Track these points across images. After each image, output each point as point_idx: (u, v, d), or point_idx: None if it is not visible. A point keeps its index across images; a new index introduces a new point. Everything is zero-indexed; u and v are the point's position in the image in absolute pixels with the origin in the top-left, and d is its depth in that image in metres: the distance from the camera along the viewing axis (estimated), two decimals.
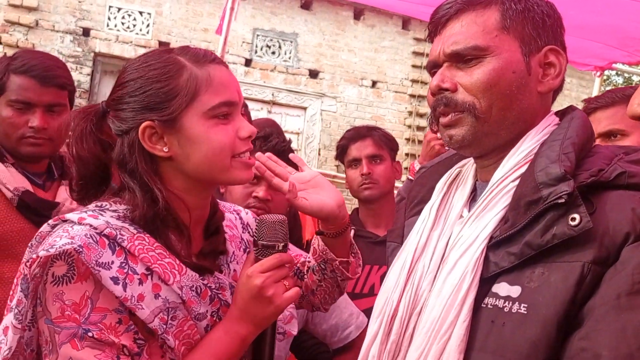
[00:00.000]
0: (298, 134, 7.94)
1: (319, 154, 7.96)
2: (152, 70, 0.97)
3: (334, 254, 1.19)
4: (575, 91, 8.76)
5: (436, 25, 0.95)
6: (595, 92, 3.51)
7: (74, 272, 0.88)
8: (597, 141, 1.63)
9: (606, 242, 0.75)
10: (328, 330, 1.68)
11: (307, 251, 1.83)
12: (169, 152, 0.97)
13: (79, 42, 7.08)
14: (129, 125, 0.97)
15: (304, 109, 8.00)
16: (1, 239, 1.49)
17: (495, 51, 0.88)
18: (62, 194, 1.61)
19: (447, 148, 1.04)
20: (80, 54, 7.07)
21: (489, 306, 0.81)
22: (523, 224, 0.80)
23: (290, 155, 1.33)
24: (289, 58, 7.91)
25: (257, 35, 7.79)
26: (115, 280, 0.89)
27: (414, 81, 8.28)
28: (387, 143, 2.14)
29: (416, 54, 8.27)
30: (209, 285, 1.00)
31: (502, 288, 0.80)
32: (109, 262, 0.90)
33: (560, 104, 0.90)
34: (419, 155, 2.26)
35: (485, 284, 0.82)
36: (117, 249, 0.92)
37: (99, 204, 0.98)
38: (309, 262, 1.25)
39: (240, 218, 1.22)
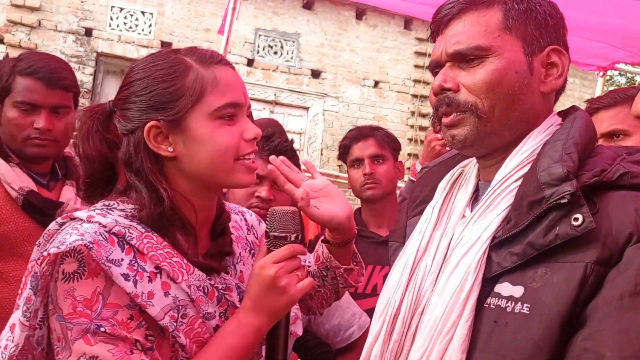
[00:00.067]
0: (300, 134, 7.94)
1: (322, 154, 7.96)
2: (159, 70, 0.98)
3: (338, 261, 1.19)
4: (578, 91, 8.75)
5: (438, 25, 0.95)
6: (598, 92, 3.50)
7: (84, 269, 0.88)
8: (600, 141, 1.63)
9: (609, 242, 0.75)
10: (331, 330, 1.69)
11: (310, 251, 1.84)
12: (173, 152, 0.98)
13: (82, 42, 7.10)
14: (135, 125, 0.98)
15: (306, 109, 8.00)
16: (6, 238, 1.50)
17: (498, 51, 0.87)
18: (66, 194, 1.62)
19: (448, 149, 1.04)
20: (83, 54, 7.09)
21: (491, 306, 0.81)
22: (525, 224, 0.80)
23: (303, 161, 1.33)
24: (291, 58, 7.92)
25: (259, 35, 7.80)
26: (125, 276, 0.89)
27: (416, 81, 8.28)
28: (389, 143, 2.14)
29: (418, 53, 8.27)
30: (215, 285, 1.00)
31: (504, 288, 0.80)
32: (119, 259, 0.90)
33: (562, 104, 0.90)
34: (421, 156, 2.26)
35: (488, 284, 0.82)
36: (126, 247, 0.92)
37: (106, 203, 0.98)
38: (308, 266, 1.25)
39: (245, 220, 1.22)
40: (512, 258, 0.80)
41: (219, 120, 0.97)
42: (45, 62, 1.53)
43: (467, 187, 0.98)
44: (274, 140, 1.64)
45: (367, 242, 1.99)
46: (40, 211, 1.54)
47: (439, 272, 0.89)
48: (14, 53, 6.17)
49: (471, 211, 0.92)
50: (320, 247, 1.21)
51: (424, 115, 8.16)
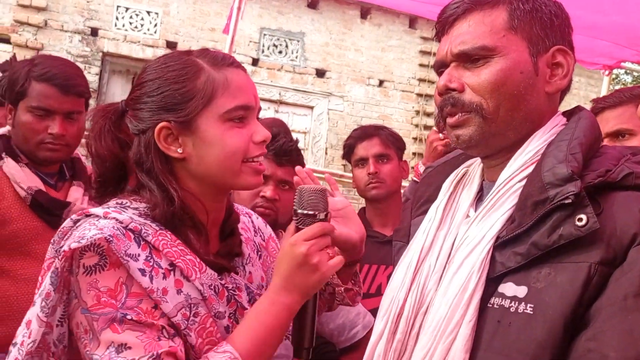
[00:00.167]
0: (305, 133, 7.95)
1: (326, 153, 7.96)
2: (171, 71, 0.98)
3: (340, 279, 1.20)
4: (584, 90, 8.70)
5: (443, 25, 0.95)
6: (604, 91, 3.49)
7: (105, 261, 0.89)
8: (605, 141, 1.62)
9: (613, 243, 0.75)
10: (335, 330, 1.69)
11: None
12: (182, 153, 0.98)
13: (87, 41, 7.13)
14: (146, 125, 0.98)
15: (311, 108, 8.00)
16: (14, 237, 1.52)
17: (503, 51, 0.87)
18: (73, 194, 1.64)
19: (450, 148, 1.04)
20: (89, 54, 7.12)
21: (495, 306, 0.81)
22: (530, 224, 0.80)
23: (326, 176, 1.34)
24: (296, 57, 7.92)
25: (264, 35, 7.80)
26: (142, 272, 0.90)
27: (421, 80, 8.27)
28: (394, 142, 2.14)
29: (423, 52, 8.25)
30: (226, 285, 1.01)
31: (508, 288, 0.80)
32: (136, 254, 0.91)
33: (568, 103, 0.90)
34: (424, 156, 2.26)
35: (492, 284, 0.82)
36: (142, 243, 0.93)
37: (119, 201, 0.99)
38: None
39: (252, 222, 1.23)
40: (516, 258, 0.80)
41: (229, 123, 0.98)
42: (60, 68, 1.56)
43: (471, 187, 0.98)
44: (279, 140, 1.65)
45: (372, 242, 1.99)
46: (48, 211, 1.56)
47: (442, 272, 0.89)
48: (21, 53, 6.22)
49: (475, 211, 0.93)
50: None
51: (428, 115, 8.14)
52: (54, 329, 0.92)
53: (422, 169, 2.12)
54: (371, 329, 1.29)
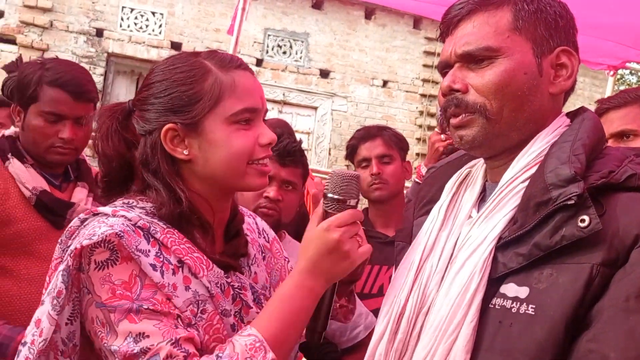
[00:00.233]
0: (309, 133, 7.95)
1: (330, 154, 7.97)
2: (178, 73, 0.99)
3: (336, 296, 1.20)
4: (588, 90, 8.68)
5: (448, 26, 0.94)
6: (608, 92, 3.47)
7: (117, 256, 0.90)
8: (610, 141, 1.62)
9: (615, 244, 0.75)
10: (337, 330, 1.69)
11: None
12: (188, 155, 0.98)
13: (93, 42, 7.16)
14: (153, 126, 0.99)
15: (315, 108, 8.01)
16: (18, 237, 1.53)
17: (507, 52, 0.87)
18: (78, 195, 1.65)
19: (451, 150, 1.03)
20: (94, 55, 7.15)
21: (496, 307, 0.81)
22: (532, 225, 0.80)
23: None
24: (300, 58, 7.93)
25: (269, 35, 7.81)
26: (153, 267, 0.91)
27: (425, 81, 8.26)
28: (397, 143, 2.14)
29: (427, 53, 8.25)
30: (232, 283, 1.01)
31: (510, 289, 0.80)
32: (146, 250, 0.92)
33: (573, 103, 0.90)
34: (426, 157, 2.26)
35: (494, 284, 0.82)
36: (151, 240, 0.93)
37: (125, 201, 0.99)
38: None
39: (256, 223, 1.23)
40: (518, 259, 0.80)
41: (235, 125, 0.98)
42: (72, 74, 1.58)
43: (474, 188, 0.98)
44: (283, 141, 1.65)
45: (374, 242, 1.97)
46: (52, 211, 1.57)
47: (444, 272, 0.89)
48: (26, 54, 6.25)
49: (478, 212, 0.92)
50: None
51: (432, 115, 8.13)
52: (62, 327, 0.92)
53: (424, 170, 2.12)
54: (373, 330, 1.29)
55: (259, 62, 7.69)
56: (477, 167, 1.02)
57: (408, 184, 2.54)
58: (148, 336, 0.86)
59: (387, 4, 4.21)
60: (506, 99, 0.87)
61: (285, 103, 7.83)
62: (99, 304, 0.89)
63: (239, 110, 0.98)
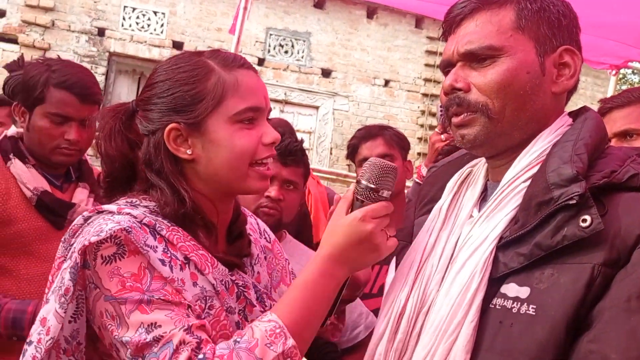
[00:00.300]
0: (310, 133, 7.95)
1: (331, 153, 7.96)
2: (181, 72, 0.99)
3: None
4: (590, 90, 8.66)
5: (450, 24, 0.94)
6: (610, 91, 3.46)
7: (124, 249, 0.89)
8: (613, 141, 1.62)
9: (617, 244, 0.74)
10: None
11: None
12: (192, 154, 0.98)
13: (94, 42, 7.16)
14: (156, 126, 0.99)
15: (316, 108, 8.01)
16: (19, 236, 1.53)
17: (510, 51, 0.87)
18: (79, 196, 1.66)
19: (449, 149, 1.03)
20: (95, 54, 7.16)
21: (497, 307, 0.80)
22: (533, 225, 0.79)
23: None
24: (302, 57, 7.93)
25: (270, 35, 7.81)
26: (162, 262, 0.90)
27: (426, 80, 8.25)
28: (398, 142, 2.14)
29: (429, 52, 8.24)
30: (236, 282, 1.01)
31: (510, 289, 0.80)
32: (154, 246, 0.91)
33: (575, 103, 0.89)
34: (426, 158, 2.26)
35: (494, 284, 0.82)
36: (157, 236, 0.93)
37: (128, 200, 0.99)
38: None
39: (258, 224, 1.24)
40: (519, 259, 0.80)
41: (238, 124, 0.98)
42: (78, 76, 1.60)
43: (476, 187, 0.97)
44: (284, 140, 1.64)
45: None
46: (53, 211, 1.58)
47: (445, 272, 0.89)
48: (28, 53, 6.26)
49: (479, 211, 0.92)
50: None
51: (434, 115, 8.12)
52: (65, 325, 0.91)
53: (424, 170, 2.12)
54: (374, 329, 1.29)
55: (261, 62, 7.70)
56: (479, 167, 1.01)
57: (409, 183, 2.54)
58: (160, 326, 0.85)
59: (389, 3, 4.20)
60: (508, 98, 0.87)
61: (286, 102, 7.83)
62: (108, 297, 0.88)
63: (242, 110, 0.97)
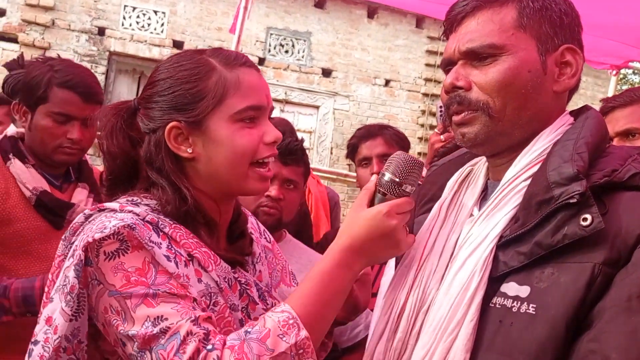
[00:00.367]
0: (310, 132, 7.95)
1: (331, 153, 7.96)
2: (182, 70, 0.98)
3: None
4: (591, 90, 8.66)
5: (452, 23, 0.94)
6: (611, 91, 3.46)
7: (127, 245, 0.88)
8: (615, 140, 1.62)
9: (618, 243, 0.74)
10: (337, 329, 1.68)
11: (318, 251, 1.83)
12: (192, 153, 0.98)
13: (94, 41, 7.16)
14: (157, 124, 0.98)
15: (317, 107, 8.00)
16: (18, 236, 1.53)
17: (511, 50, 0.86)
18: (78, 196, 1.67)
19: (448, 149, 1.03)
20: (96, 53, 7.15)
21: (497, 306, 0.80)
22: (534, 224, 0.79)
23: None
24: (302, 57, 7.92)
25: (271, 34, 7.81)
26: (167, 258, 0.90)
27: (427, 80, 8.25)
28: (398, 142, 2.13)
29: (430, 52, 8.24)
30: (239, 279, 1.00)
31: (510, 288, 0.80)
32: (158, 243, 0.91)
33: (575, 102, 0.89)
34: (426, 158, 2.25)
35: (494, 283, 0.82)
36: (160, 234, 0.93)
37: (129, 198, 0.99)
38: None
39: (258, 224, 1.24)
40: (519, 258, 0.80)
41: (239, 123, 0.97)
42: (81, 76, 1.61)
43: (476, 186, 0.97)
44: (284, 140, 1.64)
45: None
46: (52, 211, 1.58)
47: (445, 271, 0.89)
48: (28, 52, 6.25)
49: (479, 210, 0.92)
50: None
51: (435, 114, 8.12)
52: (69, 323, 0.90)
53: (424, 171, 2.12)
54: None
55: (261, 61, 7.69)
56: (479, 165, 1.01)
57: None
58: (166, 318, 0.84)
59: (390, 3, 4.20)
60: (509, 97, 0.86)
61: (287, 102, 7.82)
62: (112, 292, 0.87)
63: (243, 108, 0.97)
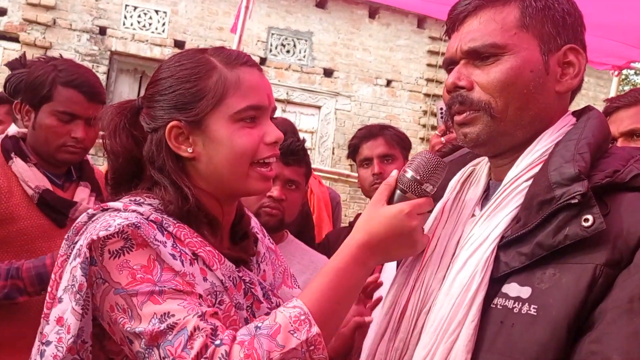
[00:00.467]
0: (312, 133, 7.95)
1: (333, 153, 7.96)
2: (184, 70, 0.98)
3: None
4: (593, 91, 8.65)
5: (454, 22, 0.93)
6: (613, 92, 3.46)
7: (131, 243, 0.88)
8: (619, 140, 1.62)
9: (619, 244, 0.74)
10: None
11: (320, 252, 1.83)
12: (192, 152, 0.98)
13: (96, 40, 7.17)
14: (158, 124, 0.99)
15: (318, 107, 8.00)
16: (21, 235, 1.54)
17: (514, 49, 0.86)
18: (80, 194, 1.68)
19: (448, 150, 1.02)
20: (97, 53, 7.16)
21: (498, 306, 0.80)
22: (535, 224, 0.79)
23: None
24: (304, 57, 7.92)
25: (272, 34, 7.81)
26: (173, 256, 0.90)
27: (429, 80, 8.24)
28: (399, 142, 2.13)
29: (431, 52, 8.23)
30: (243, 278, 1.00)
31: (512, 288, 0.79)
32: (163, 241, 0.91)
33: (577, 103, 0.89)
34: None
35: (495, 284, 0.81)
36: (165, 232, 0.93)
37: (132, 198, 0.98)
38: None
39: (260, 226, 1.23)
40: (521, 258, 0.79)
41: (239, 123, 0.97)
42: (85, 76, 1.63)
43: (478, 186, 0.97)
44: (286, 140, 1.64)
45: None
46: (55, 210, 1.59)
47: (446, 271, 0.88)
48: (29, 52, 6.26)
49: (481, 210, 0.92)
50: None
51: (436, 115, 8.11)
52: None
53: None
54: None
55: (263, 61, 7.69)
56: (481, 165, 1.01)
57: None
58: (173, 315, 0.84)
59: (391, 3, 4.20)
60: (511, 97, 0.86)
61: (288, 102, 7.82)
62: (118, 290, 0.87)
63: (243, 108, 0.97)
